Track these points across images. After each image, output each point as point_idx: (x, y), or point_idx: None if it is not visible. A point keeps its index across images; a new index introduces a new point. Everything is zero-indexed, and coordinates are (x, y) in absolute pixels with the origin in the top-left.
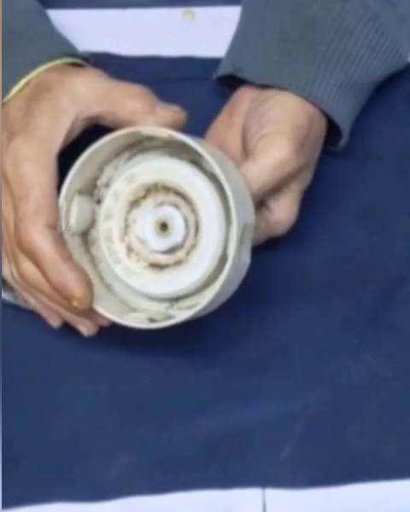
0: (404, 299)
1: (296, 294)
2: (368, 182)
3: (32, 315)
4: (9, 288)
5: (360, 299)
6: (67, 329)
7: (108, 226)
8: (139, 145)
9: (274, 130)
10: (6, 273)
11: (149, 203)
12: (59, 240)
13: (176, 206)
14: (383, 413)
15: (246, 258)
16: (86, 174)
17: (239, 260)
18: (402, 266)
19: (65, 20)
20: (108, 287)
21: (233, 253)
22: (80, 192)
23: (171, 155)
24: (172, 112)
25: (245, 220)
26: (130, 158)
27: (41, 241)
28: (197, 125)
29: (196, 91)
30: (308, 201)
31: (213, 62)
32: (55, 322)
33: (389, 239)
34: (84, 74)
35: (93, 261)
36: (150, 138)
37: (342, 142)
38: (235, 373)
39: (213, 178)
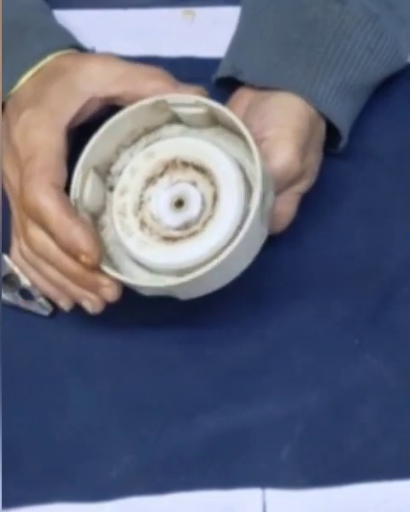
0: (404, 299)
1: (296, 294)
2: (368, 182)
3: (33, 315)
4: (9, 289)
5: (359, 300)
6: (68, 330)
7: (123, 201)
8: (158, 132)
9: (276, 134)
10: (14, 253)
11: (165, 181)
12: (64, 197)
13: (193, 183)
14: (383, 413)
15: (264, 230)
16: (104, 151)
17: (257, 227)
18: (402, 266)
19: (66, 20)
20: (116, 268)
21: (254, 212)
22: (96, 170)
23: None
24: (195, 89)
25: (267, 187)
26: (146, 146)
27: (46, 198)
28: None
29: None
30: (308, 201)
31: (213, 62)
32: (65, 304)
33: (388, 239)
34: (101, 57)
35: (101, 245)
36: (170, 122)
37: (342, 144)
38: (235, 373)
39: (232, 155)
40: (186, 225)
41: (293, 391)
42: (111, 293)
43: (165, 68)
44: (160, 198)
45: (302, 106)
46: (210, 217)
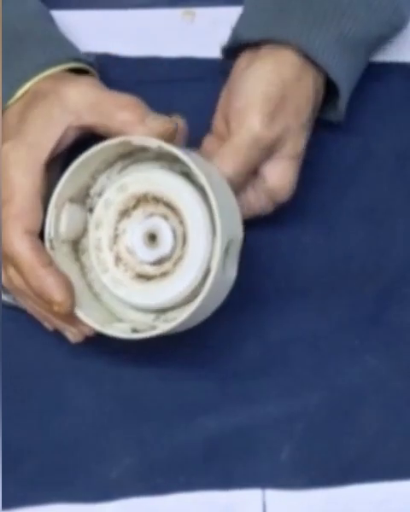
0: (404, 299)
1: (296, 295)
2: (368, 182)
3: (33, 316)
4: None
5: (359, 300)
6: None
7: (98, 235)
8: (132, 156)
9: (244, 105)
10: (3, 278)
11: (138, 214)
12: (38, 245)
13: (165, 217)
14: (383, 413)
15: (231, 273)
16: (78, 182)
17: (223, 274)
18: (402, 267)
19: (66, 21)
20: (97, 295)
21: (216, 266)
22: (72, 200)
23: (162, 167)
24: (162, 123)
25: (230, 234)
26: (123, 168)
27: (19, 245)
28: (198, 125)
29: (197, 92)
30: (308, 201)
31: (213, 63)
32: (49, 326)
33: (388, 239)
34: (78, 82)
35: (83, 270)
36: (143, 149)
37: (341, 105)
38: (235, 374)
39: (202, 191)
40: (160, 261)
41: (293, 391)
42: (87, 330)
43: (165, 69)
44: (134, 231)
45: (276, 71)
46: (180, 257)
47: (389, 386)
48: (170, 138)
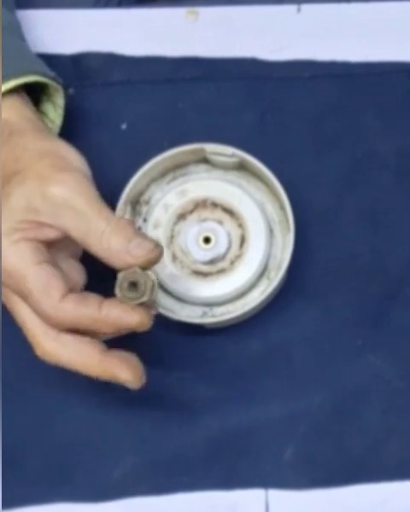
0: (407, 300)
1: (298, 295)
2: (369, 182)
3: None
4: None
5: (362, 301)
6: None
7: (156, 234)
8: (184, 168)
9: None
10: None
11: (193, 218)
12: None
13: (219, 222)
14: (386, 414)
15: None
16: (138, 186)
17: (286, 272)
18: (405, 267)
19: (68, 20)
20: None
21: (288, 258)
22: (128, 203)
23: (215, 178)
24: (147, 251)
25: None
26: (172, 179)
27: (67, 312)
28: (201, 125)
29: (201, 92)
30: (310, 202)
31: (217, 62)
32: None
33: (391, 240)
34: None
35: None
36: (197, 162)
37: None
38: (237, 374)
39: (253, 197)
40: (213, 261)
41: (296, 392)
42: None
43: (169, 68)
44: (188, 233)
45: None
46: (238, 257)
47: (392, 387)
48: (155, 263)
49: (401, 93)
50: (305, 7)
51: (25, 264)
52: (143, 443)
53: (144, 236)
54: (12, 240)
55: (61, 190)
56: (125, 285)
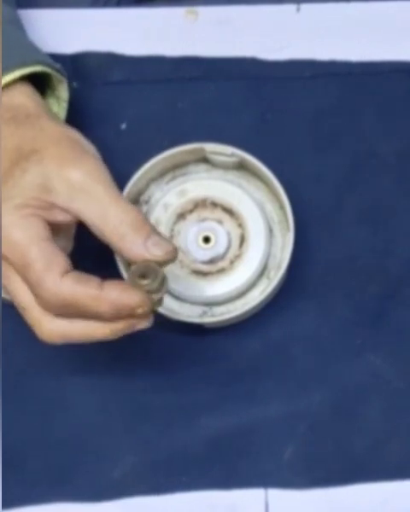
0: (406, 299)
1: (298, 295)
2: (369, 182)
3: None
4: None
5: (362, 300)
6: None
7: None
8: (184, 168)
9: None
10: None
11: (193, 217)
12: (81, 278)
13: (219, 221)
14: (386, 414)
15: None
16: (138, 185)
17: (285, 272)
18: (405, 267)
19: (67, 20)
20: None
21: (288, 257)
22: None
23: (215, 177)
24: (165, 252)
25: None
26: (172, 179)
27: (66, 288)
28: (200, 125)
29: (200, 91)
30: (310, 202)
31: (217, 62)
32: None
33: (391, 240)
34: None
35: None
36: (197, 161)
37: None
38: (237, 374)
39: (253, 197)
40: (212, 261)
41: (295, 391)
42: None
43: (169, 68)
44: (188, 233)
45: None
46: (238, 256)
47: (392, 386)
48: (172, 261)
49: (401, 93)
50: (304, 6)
51: (31, 238)
52: (142, 443)
53: (161, 235)
54: (22, 214)
55: (79, 174)
56: (138, 273)
